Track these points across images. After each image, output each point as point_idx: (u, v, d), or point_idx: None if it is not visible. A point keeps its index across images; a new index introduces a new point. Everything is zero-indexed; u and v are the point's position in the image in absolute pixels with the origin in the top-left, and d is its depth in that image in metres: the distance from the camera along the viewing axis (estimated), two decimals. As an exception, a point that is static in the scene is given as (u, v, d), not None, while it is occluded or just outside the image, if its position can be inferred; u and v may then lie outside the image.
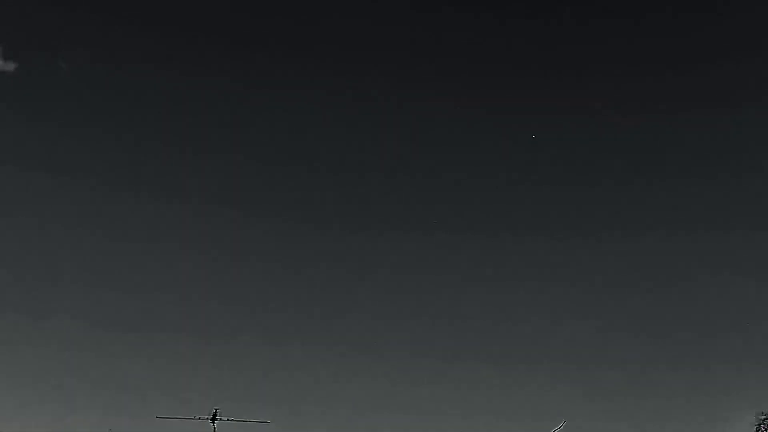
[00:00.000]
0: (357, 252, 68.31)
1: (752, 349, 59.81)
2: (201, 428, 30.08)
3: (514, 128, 69.39)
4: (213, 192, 68.19)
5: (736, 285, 64.23)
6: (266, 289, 65.33)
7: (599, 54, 70.30)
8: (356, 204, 70.32)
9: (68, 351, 59.83)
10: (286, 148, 69.43)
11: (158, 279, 64.91)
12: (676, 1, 69.43)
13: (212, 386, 49.82)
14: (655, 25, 69.41)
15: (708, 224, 67.87)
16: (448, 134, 70.31)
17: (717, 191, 67.95)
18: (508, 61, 70.77)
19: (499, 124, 70.65)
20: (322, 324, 63.96)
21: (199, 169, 69.05)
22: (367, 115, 70.70)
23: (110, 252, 66.12)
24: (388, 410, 56.83)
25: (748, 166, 67.28)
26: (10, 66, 60.61)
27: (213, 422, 29.45)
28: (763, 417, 41.56)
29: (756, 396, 46.49)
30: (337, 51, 69.29)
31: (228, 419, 29.96)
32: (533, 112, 69.87)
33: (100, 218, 67.48)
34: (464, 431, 51.31)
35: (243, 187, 69.40)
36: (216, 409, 29.58)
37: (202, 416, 29.58)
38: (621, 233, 67.91)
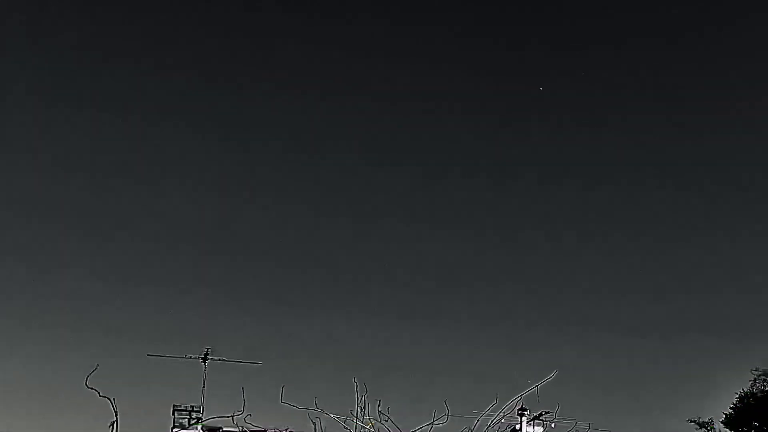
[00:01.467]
0: (357, 194, 63.42)
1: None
2: (192, 367, 30.32)
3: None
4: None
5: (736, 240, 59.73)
6: (260, 230, 60.59)
7: None
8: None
9: (56, 289, 55.67)
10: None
11: (153, 220, 59.65)
12: None
13: (205, 327, 49.43)
14: None
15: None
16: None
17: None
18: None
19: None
20: (318, 267, 59.71)
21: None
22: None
23: (100, 190, 59.73)
24: (383, 357, 53.60)
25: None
26: None
27: (204, 361, 30.29)
28: (758, 373, 41.95)
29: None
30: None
31: (219, 359, 30.29)
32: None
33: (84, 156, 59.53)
34: (455, 383, 46.37)
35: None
36: (207, 349, 30.44)
37: (193, 355, 30.43)
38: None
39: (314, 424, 20.04)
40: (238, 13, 64.26)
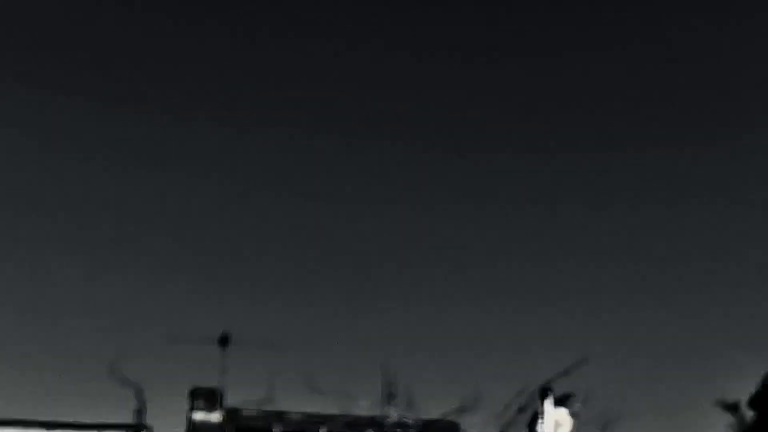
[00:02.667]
0: (375, 182, 59.05)
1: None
2: (211, 352, 29.98)
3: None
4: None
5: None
6: (280, 215, 56.92)
7: None
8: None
9: (74, 276, 52.47)
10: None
11: (170, 204, 56.26)
12: None
13: (223, 310, 46.01)
14: None
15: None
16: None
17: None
18: None
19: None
20: (336, 251, 55.81)
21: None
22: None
23: (116, 177, 55.82)
24: (401, 344, 46.69)
25: None
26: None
27: (223, 346, 29.92)
28: None
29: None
30: None
31: (239, 344, 29.92)
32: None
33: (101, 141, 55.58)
34: (480, 366, 42.42)
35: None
36: (226, 332, 30.08)
37: (211, 340, 30.09)
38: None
39: (342, 410, 19.81)
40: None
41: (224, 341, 30.08)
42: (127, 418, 25.29)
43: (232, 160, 62.49)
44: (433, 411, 20.72)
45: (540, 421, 31.27)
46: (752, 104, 64.64)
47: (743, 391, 42.24)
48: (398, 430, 20.55)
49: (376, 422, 22.91)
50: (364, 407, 20.23)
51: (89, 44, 63.48)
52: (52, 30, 61.66)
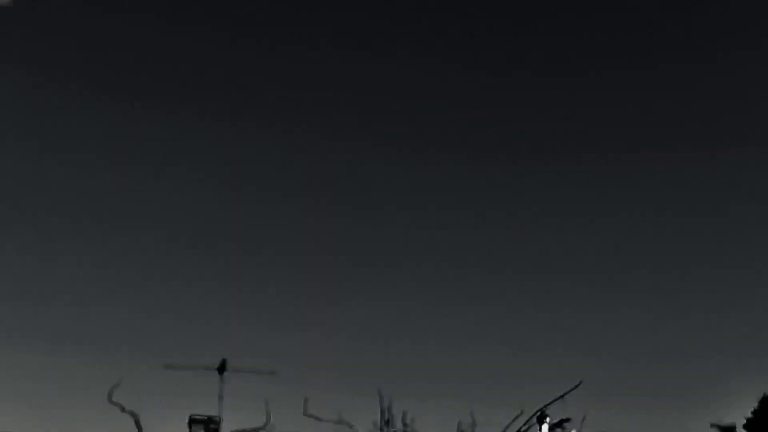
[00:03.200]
0: (373, 196, 62.59)
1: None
2: (209, 378, 30.14)
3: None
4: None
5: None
6: (276, 244, 60.02)
7: None
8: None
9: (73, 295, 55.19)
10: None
11: (170, 228, 59.39)
12: None
13: (221, 338, 45.66)
14: None
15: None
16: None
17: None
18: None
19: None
20: (335, 271, 59.34)
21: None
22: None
23: (115, 188, 59.12)
24: (398, 357, 52.18)
25: None
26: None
27: (221, 373, 30.06)
28: None
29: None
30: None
31: (236, 370, 30.09)
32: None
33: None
34: (480, 392, 45.73)
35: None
36: (224, 360, 30.24)
37: (210, 366, 30.26)
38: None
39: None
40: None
41: (222, 368, 30.31)
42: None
43: (231, 183, 63.00)
44: (430, 436, 20.82)
45: (537, 445, 31.40)
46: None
47: (739, 414, 42.32)
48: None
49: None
50: (361, 433, 20.35)
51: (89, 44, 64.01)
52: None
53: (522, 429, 21.12)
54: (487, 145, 65.87)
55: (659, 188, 65.28)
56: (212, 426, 29.54)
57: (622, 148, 64.82)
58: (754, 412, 41.52)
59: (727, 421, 42.24)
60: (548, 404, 21.56)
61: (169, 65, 64.21)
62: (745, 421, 41.98)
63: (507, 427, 20.81)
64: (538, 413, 24.27)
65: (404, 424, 20.58)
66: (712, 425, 42.19)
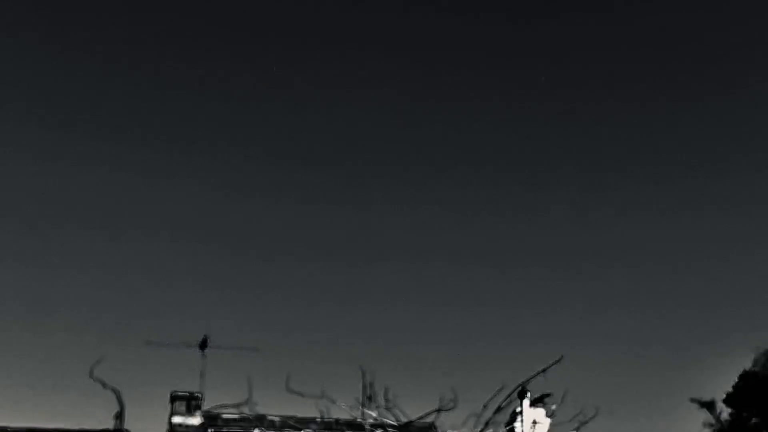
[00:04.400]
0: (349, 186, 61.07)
1: None
2: (191, 354, 30.09)
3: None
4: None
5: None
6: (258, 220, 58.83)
7: None
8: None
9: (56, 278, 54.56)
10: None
11: (152, 205, 58.49)
12: None
13: (203, 314, 46.53)
14: None
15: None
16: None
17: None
18: None
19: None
20: (319, 249, 57.94)
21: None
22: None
23: (99, 180, 57.91)
24: (389, 332, 52.70)
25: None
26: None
27: (202, 349, 29.99)
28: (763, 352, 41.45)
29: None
30: None
31: (218, 347, 30.02)
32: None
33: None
34: (462, 368, 45.28)
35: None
36: (205, 336, 30.17)
37: (191, 343, 30.18)
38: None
39: (321, 412, 19.85)
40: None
41: (203, 344, 30.18)
42: (108, 424, 25.34)
43: (213, 168, 62.80)
44: (412, 412, 20.84)
45: (518, 420, 31.47)
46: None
47: (719, 389, 42.70)
48: (378, 431, 20.70)
49: (355, 424, 23.04)
50: (343, 409, 20.35)
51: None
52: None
53: (502, 404, 21.14)
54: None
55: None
56: (194, 402, 29.46)
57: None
58: (735, 387, 41.89)
59: (707, 396, 42.63)
60: (529, 379, 21.60)
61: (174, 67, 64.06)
62: (725, 396, 42.32)
63: (487, 402, 20.82)
64: (519, 388, 24.31)
65: (386, 400, 20.59)
66: (692, 400, 42.57)
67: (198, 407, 29.16)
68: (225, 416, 29.24)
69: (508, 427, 24.14)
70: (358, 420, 20.48)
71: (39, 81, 61.05)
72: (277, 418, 28.46)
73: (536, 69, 67.24)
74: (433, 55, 66.99)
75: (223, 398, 28.97)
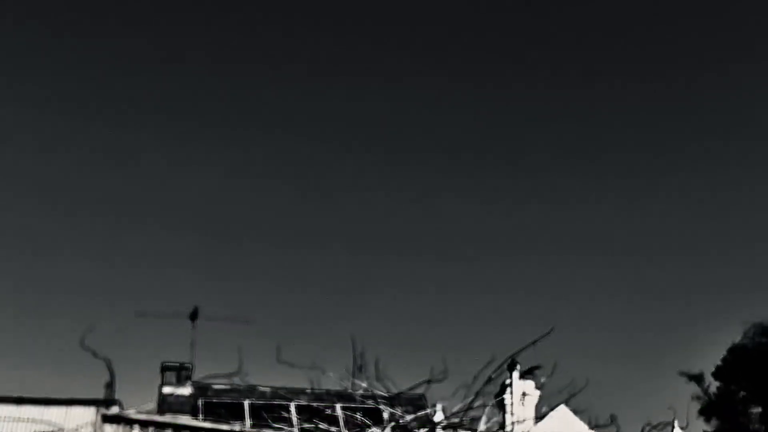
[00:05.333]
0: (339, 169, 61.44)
1: None
2: (182, 326, 30.08)
3: None
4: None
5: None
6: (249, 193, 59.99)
7: None
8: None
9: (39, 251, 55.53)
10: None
11: (140, 183, 59.58)
12: None
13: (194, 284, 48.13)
14: None
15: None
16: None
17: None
18: None
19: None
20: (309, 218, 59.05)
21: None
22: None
23: (87, 162, 59.78)
24: (379, 303, 51.80)
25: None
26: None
27: (192, 320, 29.95)
28: (750, 325, 41.12)
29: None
30: None
31: (209, 318, 29.98)
32: None
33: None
34: (454, 340, 45.20)
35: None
36: (196, 307, 30.12)
37: (181, 314, 30.14)
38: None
39: (312, 383, 19.86)
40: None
41: (194, 315, 30.13)
42: (98, 393, 25.28)
43: (204, 145, 62.73)
44: (402, 384, 20.79)
45: (507, 392, 31.61)
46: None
47: (708, 363, 42.88)
48: (368, 402, 20.66)
49: (345, 395, 23.02)
50: (333, 380, 20.31)
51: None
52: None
53: (492, 376, 21.05)
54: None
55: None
56: (184, 373, 29.45)
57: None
58: (723, 360, 42.04)
59: (695, 369, 42.78)
60: (519, 351, 21.50)
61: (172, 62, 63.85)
62: (714, 369, 42.48)
63: (477, 373, 20.74)
64: (509, 360, 24.23)
65: (376, 371, 20.52)
66: (681, 373, 42.73)
67: (188, 378, 29.14)
68: (215, 387, 29.22)
69: (497, 399, 24.10)
70: (349, 391, 20.43)
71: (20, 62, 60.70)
72: (267, 389, 28.49)
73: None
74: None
75: (213, 369, 29.00)
